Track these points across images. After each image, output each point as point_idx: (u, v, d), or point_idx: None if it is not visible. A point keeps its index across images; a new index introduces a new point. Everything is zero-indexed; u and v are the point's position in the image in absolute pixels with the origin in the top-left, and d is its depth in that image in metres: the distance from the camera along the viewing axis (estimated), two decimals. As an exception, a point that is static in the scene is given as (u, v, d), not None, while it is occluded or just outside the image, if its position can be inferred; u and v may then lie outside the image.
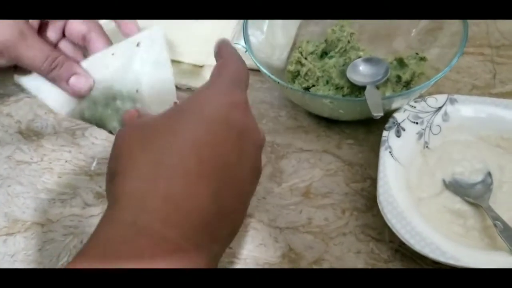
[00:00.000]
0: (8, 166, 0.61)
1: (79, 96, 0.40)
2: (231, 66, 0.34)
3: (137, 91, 0.38)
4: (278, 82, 0.54)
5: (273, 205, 0.54)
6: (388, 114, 0.54)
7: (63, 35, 0.43)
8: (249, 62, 0.63)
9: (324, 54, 0.64)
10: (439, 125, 0.55)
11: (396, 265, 0.49)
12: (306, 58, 0.62)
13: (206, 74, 0.67)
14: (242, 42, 0.62)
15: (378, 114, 0.50)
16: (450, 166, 0.53)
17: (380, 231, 0.51)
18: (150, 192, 0.26)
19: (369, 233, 0.51)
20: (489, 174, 0.52)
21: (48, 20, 0.41)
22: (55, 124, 0.64)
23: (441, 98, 0.55)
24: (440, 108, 0.55)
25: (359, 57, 0.61)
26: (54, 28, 0.42)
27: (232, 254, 0.51)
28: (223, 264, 0.50)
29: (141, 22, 0.45)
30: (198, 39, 0.72)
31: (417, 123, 0.54)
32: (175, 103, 0.38)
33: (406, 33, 0.64)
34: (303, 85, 0.61)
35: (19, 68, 0.42)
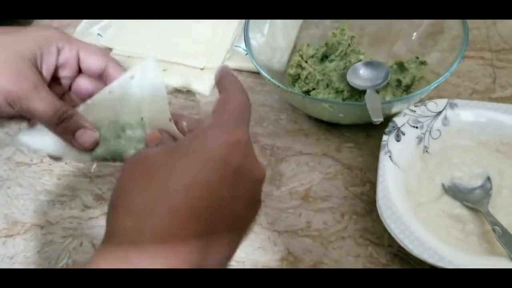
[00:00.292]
0: (7, 168, 0.61)
1: (84, 149, 0.41)
2: (235, 101, 0.35)
3: (142, 119, 0.40)
4: (278, 86, 0.54)
5: (272, 208, 0.54)
6: (388, 118, 0.54)
7: (79, 71, 0.43)
8: (250, 65, 0.63)
9: (324, 57, 0.64)
10: (439, 130, 0.55)
11: (394, 269, 0.49)
12: (306, 62, 0.62)
13: (207, 77, 0.67)
14: (242, 44, 0.62)
15: (377, 119, 0.50)
16: (449, 170, 0.53)
17: (379, 235, 0.51)
18: (141, 229, 0.28)
19: (368, 237, 0.51)
20: (488, 179, 0.52)
21: (64, 60, 0.42)
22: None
23: (441, 102, 0.56)
24: (440, 112, 0.55)
25: (360, 60, 0.60)
26: (70, 66, 0.42)
27: (231, 257, 0.51)
28: (222, 267, 0.50)
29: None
30: (198, 42, 0.72)
31: (417, 127, 0.54)
32: (170, 120, 0.40)
33: (406, 37, 0.64)
34: (303, 89, 0.61)
35: (15, 118, 0.42)
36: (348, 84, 0.59)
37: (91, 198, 0.57)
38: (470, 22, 0.56)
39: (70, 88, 0.44)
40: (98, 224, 0.55)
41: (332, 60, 0.62)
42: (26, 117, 0.41)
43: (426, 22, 0.62)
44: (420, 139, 0.54)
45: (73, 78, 0.44)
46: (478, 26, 0.70)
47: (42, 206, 0.57)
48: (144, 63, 0.41)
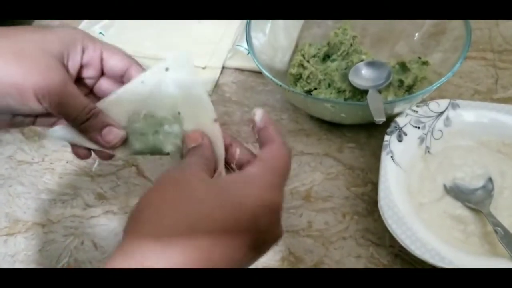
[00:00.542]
0: (9, 166, 0.61)
1: (109, 147, 0.41)
2: (283, 161, 0.35)
3: (179, 113, 0.40)
4: (280, 85, 0.54)
5: (273, 208, 0.54)
6: (390, 119, 0.54)
7: (102, 73, 0.43)
8: (251, 64, 0.63)
9: (326, 57, 0.64)
10: (440, 130, 0.55)
11: (396, 270, 0.49)
12: (308, 61, 0.62)
13: (208, 76, 0.67)
14: (244, 44, 0.62)
15: (380, 119, 0.49)
16: (451, 171, 0.53)
17: (381, 235, 0.51)
18: (158, 255, 0.29)
19: (369, 237, 0.51)
20: (490, 179, 0.51)
21: (88, 60, 0.42)
22: (57, 124, 0.65)
23: (443, 103, 0.55)
24: (442, 113, 0.55)
25: (362, 60, 0.60)
26: (93, 66, 0.42)
27: (232, 257, 0.51)
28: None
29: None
30: (199, 42, 0.72)
31: (419, 127, 0.54)
32: (215, 121, 0.39)
33: (408, 37, 0.64)
34: (305, 88, 0.61)
35: (38, 120, 0.42)
36: (350, 84, 0.59)
37: (93, 197, 0.57)
38: (473, 23, 0.56)
39: (91, 90, 0.44)
40: (100, 223, 0.55)
41: (334, 60, 0.62)
42: (52, 116, 0.40)
43: (428, 23, 0.62)
44: (422, 140, 0.54)
45: (96, 79, 0.43)
46: (481, 27, 0.70)
47: (43, 204, 0.57)
48: (177, 54, 0.40)
